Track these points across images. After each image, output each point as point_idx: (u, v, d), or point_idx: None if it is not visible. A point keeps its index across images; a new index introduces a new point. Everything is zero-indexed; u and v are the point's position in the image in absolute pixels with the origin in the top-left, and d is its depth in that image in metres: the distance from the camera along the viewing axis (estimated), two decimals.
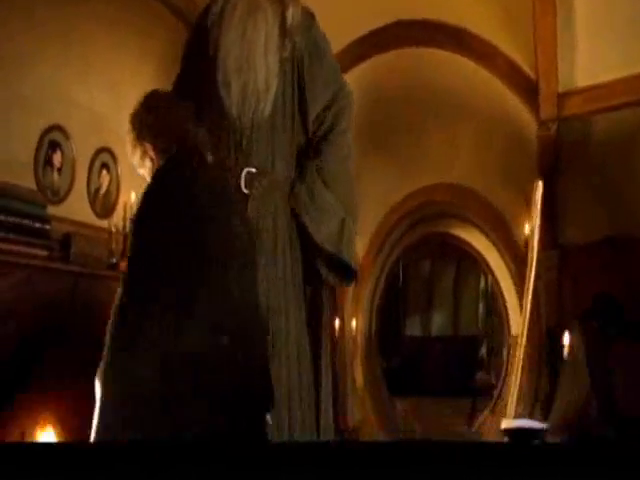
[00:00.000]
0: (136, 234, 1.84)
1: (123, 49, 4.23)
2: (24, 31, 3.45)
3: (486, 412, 6.71)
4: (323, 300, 2.42)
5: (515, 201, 5.11)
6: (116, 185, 4.17)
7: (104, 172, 4.12)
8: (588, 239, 4.19)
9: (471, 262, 9.23)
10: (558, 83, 4.00)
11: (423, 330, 11.20)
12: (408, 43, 4.69)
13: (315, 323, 2.38)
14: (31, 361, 3.26)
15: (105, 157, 4.11)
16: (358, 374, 6.44)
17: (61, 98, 3.72)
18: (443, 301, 11.07)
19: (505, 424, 2.04)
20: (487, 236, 6.14)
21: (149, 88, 4.45)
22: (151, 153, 1.97)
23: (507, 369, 6.43)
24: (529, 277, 2.29)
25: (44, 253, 3.33)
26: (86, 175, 3.97)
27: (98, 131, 4.03)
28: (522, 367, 2.27)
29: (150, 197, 1.86)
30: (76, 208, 3.86)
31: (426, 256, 10.49)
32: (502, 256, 5.82)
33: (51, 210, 3.53)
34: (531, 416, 5.14)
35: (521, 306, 5.58)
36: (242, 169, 2.25)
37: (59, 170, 3.72)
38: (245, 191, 2.26)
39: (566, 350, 2.35)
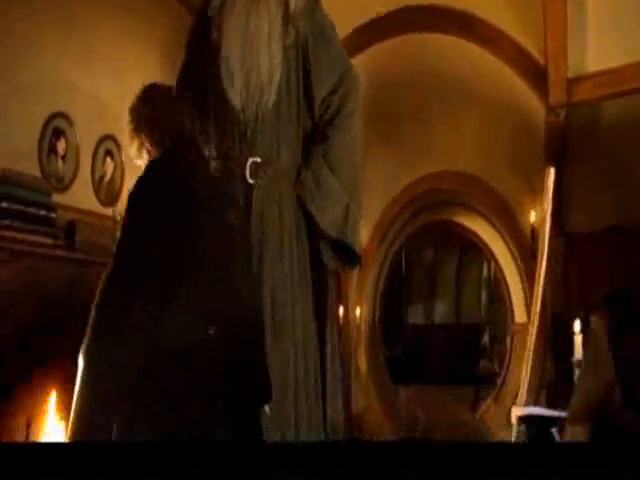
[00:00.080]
0: (127, 220, 1.85)
1: (127, 36, 4.20)
2: (26, 17, 3.42)
3: (489, 400, 6.70)
4: (328, 285, 2.41)
5: (521, 189, 5.09)
6: (120, 173, 4.14)
7: (108, 160, 4.10)
8: (594, 227, 4.16)
9: (474, 250, 9.20)
10: (568, 68, 3.95)
11: (426, 318, 11.20)
12: (414, 29, 4.64)
13: (321, 309, 2.37)
14: (36, 349, 3.25)
15: (109, 144, 4.08)
16: (362, 361, 6.44)
17: (64, 85, 3.70)
18: (446, 289, 11.06)
19: (516, 412, 2.03)
20: (492, 224, 6.11)
21: (153, 75, 4.46)
22: (147, 145, 1.99)
23: (510, 357, 6.42)
24: (540, 264, 2.28)
25: (49, 241, 3.31)
26: (90, 163, 3.95)
27: (102, 118, 4.00)
28: (530, 355, 2.25)
29: (144, 185, 1.88)
30: (80, 196, 3.84)
31: (429, 244, 10.46)
32: (507, 244, 5.79)
33: (55, 198, 3.50)
34: (536, 403, 5.15)
35: (525, 294, 5.58)
36: (247, 159, 2.24)
37: (63, 158, 3.69)
38: (250, 181, 2.25)
39: (577, 337, 2.33)
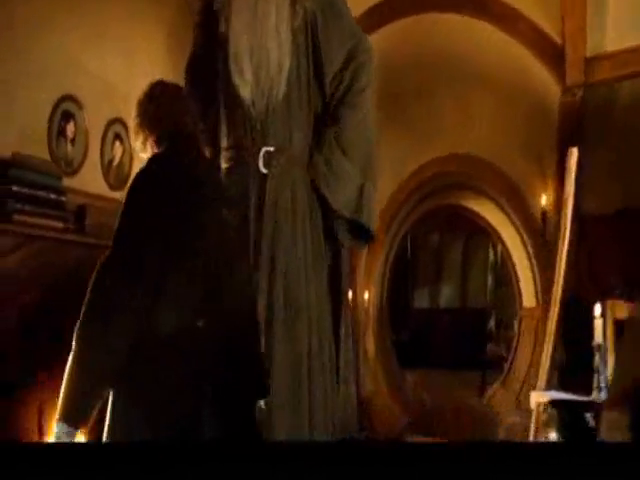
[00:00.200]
0: (125, 208, 1.88)
1: (135, 17, 4.16)
2: None
3: (496, 385, 6.70)
4: (342, 266, 2.40)
5: (532, 172, 5.05)
6: (129, 157, 4.12)
7: (117, 143, 4.07)
8: (607, 210, 4.12)
9: (481, 234, 9.17)
10: (586, 48, 3.88)
11: (431, 302, 11.19)
12: (425, 8, 4.57)
13: (335, 290, 2.36)
14: (48, 334, 3.25)
15: (118, 128, 4.05)
16: (370, 345, 6.44)
17: (72, 67, 3.66)
18: (452, 273, 11.04)
19: (537, 397, 2.01)
20: (501, 208, 6.07)
21: (162, 56, 4.41)
22: (150, 140, 2.05)
23: (518, 342, 6.41)
24: (562, 248, 2.25)
25: (60, 225, 3.29)
26: (99, 146, 3.93)
27: (110, 101, 3.97)
28: (551, 339, 2.23)
29: (144, 176, 1.93)
30: (89, 180, 3.82)
31: (435, 228, 10.42)
32: (516, 228, 5.76)
33: (65, 182, 3.48)
34: (549, 388, 5.15)
35: (534, 278, 5.55)
36: (260, 149, 2.23)
37: (72, 141, 3.67)
38: (264, 171, 2.23)
39: (598, 322, 2.31)
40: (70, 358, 1.76)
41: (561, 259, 2.21)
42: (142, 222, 1.84)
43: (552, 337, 2.22)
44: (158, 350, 1.77)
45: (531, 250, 5.47)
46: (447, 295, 11.12)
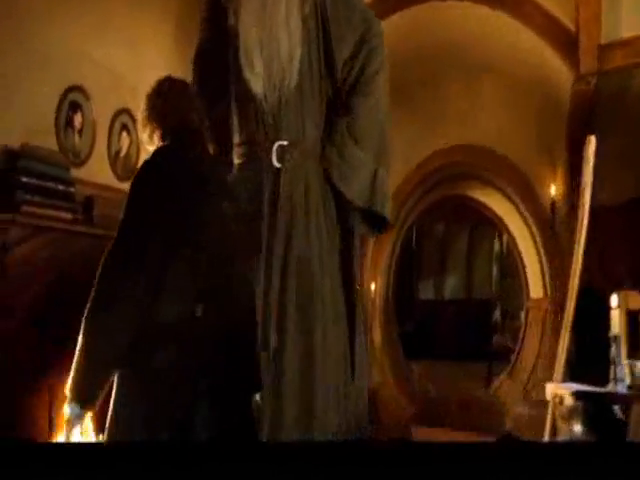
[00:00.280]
0: (130, 199, 1.95)
1: (142, 6, 4.13)
2: None
3: (503, 376, 6.69)
4: (355, 255, 2.38)
5: (541, 162, 5.01)
6: (136, 148, 4.10)
7: (124, 134, 4.05)
8: (618, 200, 4.08)
9: (486, 225, 9.15)
10: (600, 35, 3.82)
11: (436, 293, 11.18)
12: None
13: (349, 283, 2.34)
14: (57, 323, 3.24)
15: (124, 118, 4.03)
16: (377, 336, 6.43)
17: (79, 57, 3.63)
18: (456, 264, 11.02)
19: (553, 388, 2.00)
20: (508, 198, 6.03)
21: (168, 46, 4.37)
22: (157, 133, 2.13)
23: (525, 333, 6.39)
24: (579, 238, 2.23)
25: (69, 216, 3.27)
26: (106, 137, 3.91)
27: (117, 92, 3.95)
28: (567, 330, 2.21)
29: (149, 167, 2.00)
30: (97, 171, 3.80)
31: (440, 219, 10.40)
32: (524, 218, 5.72)
33: (72, 173, 3.47)
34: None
35: (542, 269, 5.53)
36: (273, 143, 2.20)
37: (80, 132, 3.65)
38: (277, 165, 2.21)
39: (614, 312, 2.29)
40: (78, 343, 1.83)
41: (578, 250, 2.19)
42: (145, 213, 1.90)
43: (569, 328, 2.19)
44: (157, 340, 1.84)
45: (539, 241, 5.44)
46: (452, 286, 11.10)
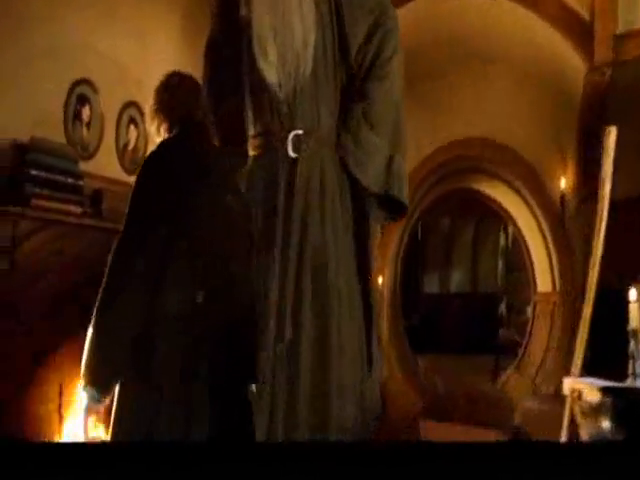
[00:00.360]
0: (135, 192, 2.02)
1: None
2: None
3: (510, 370, 6.67)
4: (371, 247, 2.36)
5: (550, 154, 4.97)
6: (144, 141, 4.07)
7: (132, 127, 4.02)
8: (633, 192, 4.04)
9: (492, 218, 9.11)
10: (616, 24, 3.76)
11: (441, 287, 11.15)
12: None
13: (364, 273, 2.31)
14: (67, 316, 3.23)
15: (132, 111, 4.00)
16: (384, 329, 6.40)
17: (86, 50, 3.60)
18: (462, 258, 10.99)
19: (571, 383, 1.97)
20: (516, 191, 5.99)
21: (176, 37, 4.33)
22: (164, 126, 2.19)
23: (532, 327, 6.36)
24: (599, 231, 2.19)
25: (78, 210, 3.25)
26: (114, 130, 3.88)
27: (124, 84, 3.92)
28: (586, 324, 2.18)
29: (152, 160, 2.07)
30: (105, 164, 3.77)
31: (446, 212, 10.35)
32: (532, 212, 5.68)
33: (81, 166, 3.44)
34: (567, 373, 5.11)
35: (550, 262, 5.49)
36: (288, 133, 2.17)
37: (88, 125, 3.62)
38: (293, 155, 2.18)
39: (633, 306, 2.26)
40: (90, 331, 1.92)
41: (598, 243, 2.16)
42: (147, 206, 1.96)
43: (588, 322, 2.17)
44: (159, 324, 1.90)
45: (548, 234, 5.40)
46: (457, 280, 11.07)
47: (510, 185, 6.01)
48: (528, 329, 6.49)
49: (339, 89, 2.28)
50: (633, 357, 2.19)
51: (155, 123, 2.22)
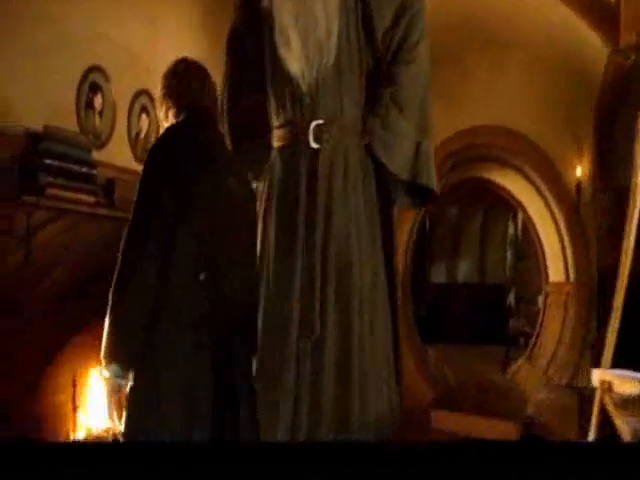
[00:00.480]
0: (142, 179, 2.06)
1: None
2: None
3: (521, 361, 6.62)
4: (394, 233, 2.33)
5: (566, 142, 4.90)
6: (155, 129, 4.03)
7: (143, 116, 3.98)
8: None
9: (500, 207, 9.05)
10: None
11: (449, 277, 11.11)
12: None
13: (389, 260, 2.29)
14: (80, 305, 3.22)
15: (144, 99, 3.96)
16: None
17: (98, 37, 3.56)
18: (470, 248, 10.94)
19: (599, 375, 1.94)
20: (528, 179, 5.89)
21: (188, 22, 4.27)
22: (172, 112, 2.24)
23: (544, 317, 6.31)
24: (631, 217, 2.15)
25: (92, 199, 3.22)
26: (126, 119, 3.84)
27: (135, 72, 3.87)
28: (618, 314, 2.14)
29: (159, 147, 2.10)
30: (117, 153, 3.74)
31: (454, 202, 10.29)
32: (545, 200, 5.59)
33: (93, 155, 3.40)
34: (581, 364, 5.07)
35: (564, 252, 5.43)
36: (310, 123, 2.13)
37: (100, 113, 3.58)
38: (315, 146, 2.14)
39: None
40: (108, 313, 1.97)
41: (631, 231, 2.12)
42: (155, 191, 2.00)
43: (619, 312, 2.13)
44: (164, 300, 1.96)
45: (561, 223, 5.33)
46: (465, 270, 11.03)
47: (521, 172, 5.92)
48: (539, 320, 6.43)
49: (364, 75, 2.24)
50: None
51: (163, 108, 2.28)
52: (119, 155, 3.75)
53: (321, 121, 2.17)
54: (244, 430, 1.98)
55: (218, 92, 2.36)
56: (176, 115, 2.22)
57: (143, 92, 3.94)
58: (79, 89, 3.39)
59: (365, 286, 2.16)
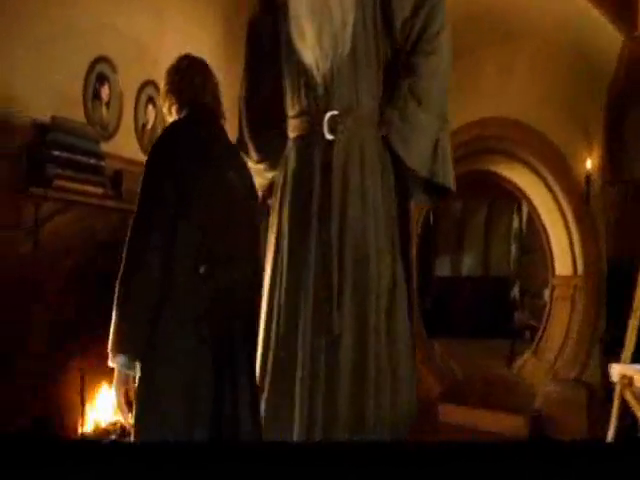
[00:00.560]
0: (145, 173, 2.06)
1: None
2: None
3: (527, 355, 6.59)
4: (411, 226, 2.31)
5: (575, 134, 4.84)
6: (162, 120, 3.98)
7: (150, 107, 3.95)
8: None
9: (505, 200, 9.00)
10: None
11: (453, 270, 11.07)
12: None
13: (405, 252, 2.26)
14: (87, 298, 3.19)
15: (150, 90, 3.93)
16: None
17: (105, 28, 3.52)
18: (474, 241, 10.90)
19: (617, 369, 1.91)
20: (534, 171, 5.84)
21: (196, 15, 4.23)
22: (174, 107, 2.26)
23: (550, 311, 6.27)
24: None
25: (99, 191, 3.19)
26: (133, 110, 3.81)
27: (142, 63, 3.84)
28: (635, 310, 2.11)
29: (161, 143, 2.11)
30: (124, 144, 3.71)
31: (458, 196, 10.25)
32: (553, 193, 5.54)
33: (101, 146, 3.37)
34: (589, 358, 5.04)
35: (572, 245, 5.38)
36: (324, 114, 2.10)
37: (107, 104, 3.54)
38: (329, 137, 2.11)
39: None
40: (115, 304, 1.97)
41: None
42: (157, 186, 2.01)
43: (639, 312, 2.09)
44: (167, 292, 1.97)
45: (569, 216, 5.29)
46: (469, 263, 10.99)
47: (529, 165, 5.86)
48: (546, 313, 6.39)
49: (382, 66, 2.21)
50: None
51: (166, 104, 2.30)
52: (126, 147, 3.72)
53: (336, 112, 2.14)
54: (244, 430, 1.97)
55: (221, 89, 2.35)
56: (178, 111, 2.25)
57: (150, 83, 3.91)
58: (86, 80, 3.36)
59: (382, 280, 2.14)
